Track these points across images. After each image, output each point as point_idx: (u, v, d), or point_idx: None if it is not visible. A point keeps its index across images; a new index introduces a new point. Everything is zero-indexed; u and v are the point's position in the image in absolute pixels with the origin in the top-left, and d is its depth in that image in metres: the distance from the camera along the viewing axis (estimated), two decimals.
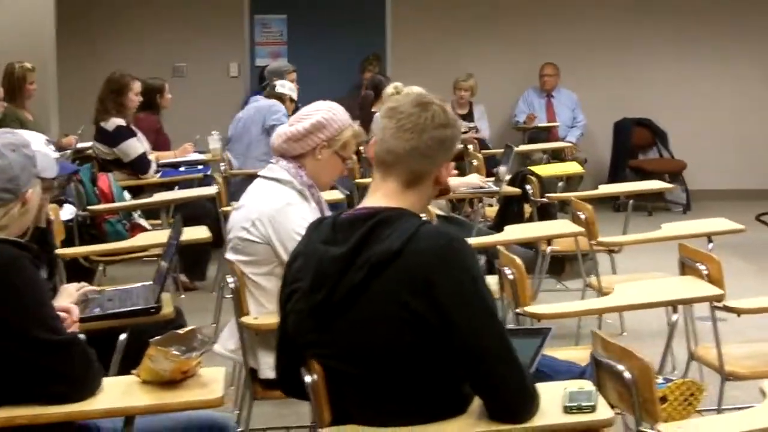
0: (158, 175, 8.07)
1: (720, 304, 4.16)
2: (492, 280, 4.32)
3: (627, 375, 2.85)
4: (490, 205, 7.80)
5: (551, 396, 2.81)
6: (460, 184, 6.76)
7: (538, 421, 2.73)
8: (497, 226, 6.76)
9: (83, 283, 3.95)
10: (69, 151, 8.02)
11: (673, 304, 4.26)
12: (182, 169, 8.41)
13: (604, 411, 2.77)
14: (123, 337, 3.84)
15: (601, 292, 5.37)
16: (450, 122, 2.91)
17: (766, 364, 4.18)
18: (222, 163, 8.32)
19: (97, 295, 4.01)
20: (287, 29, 11.99)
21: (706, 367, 4.52)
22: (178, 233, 4.35)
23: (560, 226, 5.98)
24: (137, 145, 7.99)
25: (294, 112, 6.27)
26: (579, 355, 3.88)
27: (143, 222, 7.09)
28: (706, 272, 4.27)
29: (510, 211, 7.20)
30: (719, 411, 4.19)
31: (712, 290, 4.17)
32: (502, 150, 8.25)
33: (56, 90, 9.72)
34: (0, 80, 8.44)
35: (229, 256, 4.23)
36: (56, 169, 3.58)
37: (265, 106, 8.36)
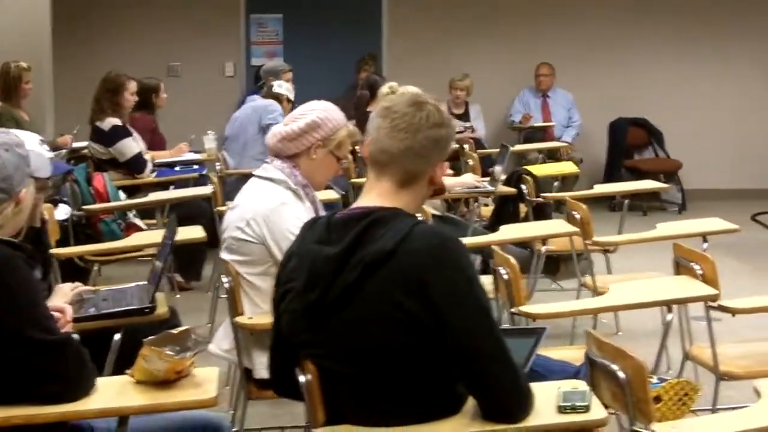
0: (154, 174, 8.07)
1: (714, 304, 4.16)
2: (486, 280, 4.32)
3: (621, 375, 2.85)
4: (486, 205, 7.80)
5: (545, 396, 2.80)
6: (455, 183, 6.75)
7: (532, 421, 2.73)
8: (492, 225, 6.76)
9: (77, 283, 3.96)
10: (64, 151, 8.02)
11: (668, 304, 4.26)
12: (177, 168, 8.41)
13: (597, 411, 2.77)
14: (117, 337, 3.85)
15: (596, 292, 5.38)
16: (444, 122, 2.91)
17: (760, 364, 4.18)
18: (217, 163, 8.32)
19: (91, 294, 4.02)
20: (283, 29, 11.98)
21: (700, 367, 4.52)
22: (172, 233, 4.35)
23: (555, 225, 5.99)
24: (133, 145, 7.99)
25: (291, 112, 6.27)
26: (574, 354, 3.88)
27: (138, 222, 7.08)
28: (700, 272, 4.27)
29: (505, 211, 7.20)
30: (714, 411, 4.20)
31: (707, 290, 4.17)
32: (498, 150, 8.25)
33: (52, 89, 9.71)
34: None
35: (224, 255, 4.23)
36: (50, 169, 3.58)
37: (261, 105, 8.37)
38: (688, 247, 4.48)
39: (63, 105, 9.96)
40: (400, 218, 2.78)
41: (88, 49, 11.37)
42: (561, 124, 11.55)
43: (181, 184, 7.96)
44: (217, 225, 6.08)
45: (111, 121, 7.97)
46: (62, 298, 3.67)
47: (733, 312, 4.19)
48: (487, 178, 7.24)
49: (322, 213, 3.93)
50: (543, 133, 11.31)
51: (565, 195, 6.62)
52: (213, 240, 5.86)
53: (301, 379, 2.83)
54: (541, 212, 7.04)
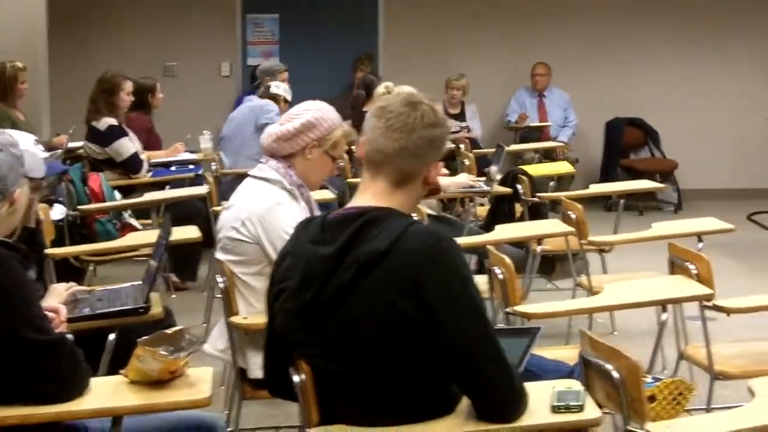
0: (149, 174, 8.07)
1: (709, 304, 4.16)
2: (481, 280, 4.32)
3: (615, 374, 2.85)
4: (482, 205, 7.80)
5: (539, 395, 2.81)
6: (450, 183, 6.76)
7: (525, 420, 2.74)
8: (488, 225, 6.76)
9: (72, 283, 3.95)
10: (60, 151, 8.01)
11: (663, 304, 4.26)
12: (173, 168, 8.40)
13: (591, 410, 2.78)
14: (112, 337, 3.85)
15: (591, 292, 5.37)
16: (439, 122, 2.91)
17: (755, 364, 4.18)
18: (213, 163, 8.32)
19: (86, 294, 4.01)
20: (279, 29, 11.98)
21: (695, 367, 4.53)
22: (167, 233, 4.35)
23: (550, 225, 5.99)
24: (129, 145, 7.99)
25: None
26: (569, 354, 3.88)
27: (134, 222, 7.08)
28: (695, 272, 4.27)
29: (501, 211, 7.20)
30: (708, 410, 4.19)
31: (702, 290, 4.17)
32: (494, 149, 8.25)
33: (48, 89, 9.70)
34: None
35: (219, 255, 4.23)
36: (44, 169, 3.57)
37: (258, 105, 8.37)
38: (683, 247, 4.48)
39: (59, 105, 9.96)
40: (394, 218, 2.79)
41: (84, 49, 11.37)
42: (557, 123, 11.56)
43: (176, 184, 7.95)
44: (212, 225, 6.07)
45: (107, 121, 7.96)
46: (57, 298, 3.67)
47: (728, 312, 4.19)
48: (483, 178, 7.24)
49: (317, 213, 3.93)
50: (539, 133, 11.31)
51: (561, 195, 6.62)
52: (208, 240, 5.85)
53: (295, 378, 2.83)
54: (536, 212, 7.05)
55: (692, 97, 11.94)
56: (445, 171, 7.61)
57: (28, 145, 3.44)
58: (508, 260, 4.20)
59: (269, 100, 8.36)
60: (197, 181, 7.99)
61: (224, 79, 11.87)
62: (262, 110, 8.28)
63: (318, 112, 4.25)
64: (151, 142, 8.82)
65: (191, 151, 8.89)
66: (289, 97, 8.41)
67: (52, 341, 2.89)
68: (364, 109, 8.53)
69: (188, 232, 5.67)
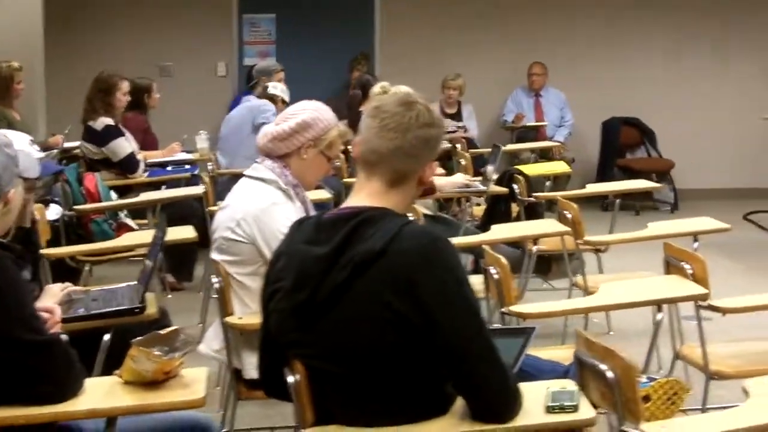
0: (145, 174, 8.06)
1: (704, 304, 4.16)
2: (476, 280, 4.32)
3: (610, 374, 2.84)
4: (478, 205, 7.80)
5: (534, 396, 2.80)
6: (446, 183, 6.76)
7: (520, 420, 2.73)
8: (484, 225, 6.76)
9: (67, 284, 3.95)
10: (56, 151, 8.01)
11: (658, 304, 4.26)
12: (169, 168, 8.40)
13: (586, 411, 2.78)
14: (107, 337, 3.84)
15: (587, 292, 5.37)
16: (434, 122, 2.90)
17: (750, 364, 4.18)
18: (209, 163, 8.31)
19: (81, 295, 4.01)
20: (276, 28, 11.97)
21: (691, 367, 4.52)
22: (162, 232, 4.35)
23: (546, 225, 5.99)
24: (126, 145, 7.99)
25: None
26: (565, 354, 3.88)
27: (130, 222, 7.07)
28: (690, 271, 4.27)
29: (497, 211, 7.20)
30: (704, 410, 4.20)
31: (697, 289, 4.17)
32: (490, 149, 8.25)
33: (44, 89, 9.70)
34: None
35: (214, 255, 4.23)
36: (39, 169, 3.57)
37: (255, 105, 8.39)
38: (678, 247, 4.48)
39: (55, 105, 9.94)
40: (389, 218, 2.78)
41: (80, 49, 11.36)
42: (553, 123, 11.56)
43: (173, 184, 7.95)
44: (208, 225, 6.07)
45: (104, 121, 7.96)
46: (52, 298, 3.67)
47: (723, 311, 4.19)
48: (479, 178, 7.24)
49: (313, 213, 3.93)
50: (535, 133, 11.31)
51: (557, 194, 6.62)
52: (204, 240, 5.85)
53: (290, 379, 2.83)
54: (532, 212, 7.05)
55: (689, 96, 11.94)
56: (441, 171, 7.61)
57: (23, 145, 3.44)
58: (503, 260, 4.20)
59: (267, 100, 8.37)
60: (193, 181, 7.99)
61: (221, 79, 11.86)
62: (259, 110, 8.29)
63: (314, 112, 4.25)
64: (148, 142, 8.82)
65: (187, 151, 8.89)
66: (286, 98, 8.41)
67: (47, 341, 2.88)
68: (360, 109, 8.52)
69: (184, 232, 5.67)
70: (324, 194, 6.49)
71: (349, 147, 6.43)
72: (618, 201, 7.02)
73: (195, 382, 2.95)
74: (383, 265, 2.70)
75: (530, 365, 3.39)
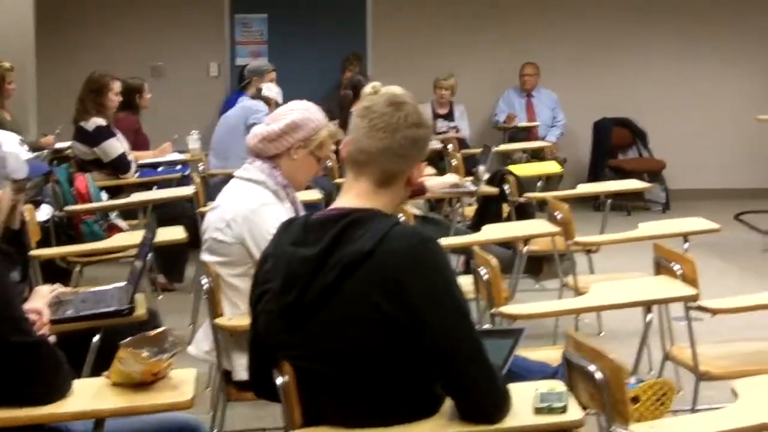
0: (137, 175, 8.05)
1: (694, 304, 4.16)
2: (466, 281, 4.32)
3: (598, 375, 2.85)
4: (470, 205, 7.80)
5: (522, 397, 2.80)
6: (436, 184, 6.75)
7: (508, 422, 2.73)
8: (475, 225, 6.76)
9: (57, 285, 3.94)
10: (46, 151, 8.00)
11: (647, 305, 4.26)
12: (160, 169, 8.39)
13: (574, 412, 2.77)
14: (96, 338, 3.84)
15: (578, 292, 5.37)
16: (423, 122, 2.91)
17: (740, 364, 4.18)
18: (200, 163, 8.30)
19: (71, 296, 4.00)
20: (268, 29, 11.96)
21: (681, 368, 4.53)
22: (152, 233, 4.34)
23: (537, 226, 5.99)
24: (117, 145, 7.98)
25: None
26: (555, 355, 3.87)
27: (120, 222, 7.06)
28: (680, 272, 4.27)
29: (488, 211, 7.20)
30: (694, 411, 4.19)
31: (687, 290, 4.17)
32: (481, 149, 8.25)
33: (35, 90, 9.69)
34: None
35: (204, 256, 4.22)
36: (27, 170, 3.56)
37: (248, 105, 8.41)
38: (667, 248, 4.48)
39: (46, 105, 9.93)
40: (378, 219, 2.78)
41: (71, 49, 11.34)
42: (545, 123, 11.56)
43: (164, 184, 7.94)
44: (199, 226, 6.06)
45: (95, 122, 7.95)
46: (40, 300, 3.66)
47: (713, 312, 4.18)
48: (471, 178, 7.24)
49: (303, 213, 3.93)
50: (527, 133, 11.30)
51: (548, 195, 6.62)
52: (195, 241, 5.84)
53: (278, 380, 2.82)
54: (523, 212, 7.05)
55: (681, 97, 11.95)
56: (432, 171, 7.61)
57: (12, 146, 3.44)
58: (493, 261, 4.20)
59: (260, 101, 8.39)
60: (185, 181, 7.98)
61: (212, 80, 11.85)
62: (251, 110, 8.31)
63: (303, 112, 4.24)
64: (139, 142, 8.81)
65: (179, 152, 8.88)
66: (280, 100, 8.42)
67: (35, 343, 2.87)
68: (351, 110, 8.51)
69: (174, 233, 5.66)
70: (314, 195, 6.48)
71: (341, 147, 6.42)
72: (609, 201, 7.02)
73: (183, 383, 2.95)
74: (372, 266, 2.70)
75: (519, 366, 3.39)
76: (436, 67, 11.34)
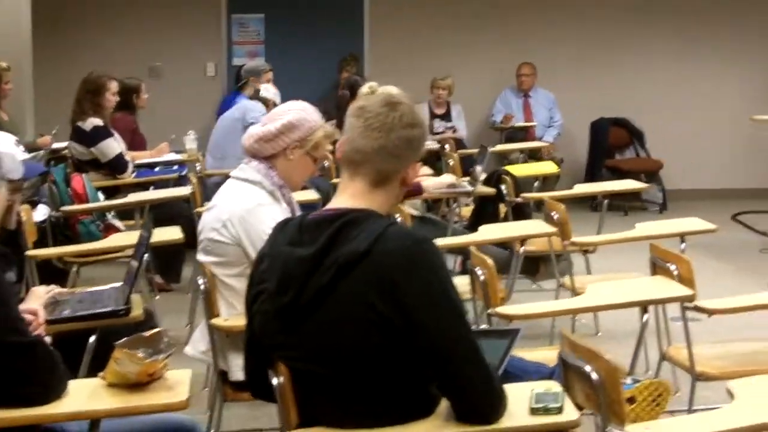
0: (133, 175, 8.05)
1: (690, 304, 4.16)
2: (462, 281, 4.31)
3: (594, 376, 2.85)
4: (467, 205, 7.80)
5: (518, 397, 2.80)
6: (433, 184, 6.75)
7: (504, 422, 2.73)
8: (472, 226, 6.76)
9: (53, 286, 3.94)
10: (43, 152, 7.99)
11: (643, 305, 4.26)
12: (157, 169, 8.39)
13: (570, 412, 2.77)
14: (93, 339, 3.83)
15: (574, 293, 5.37)
16: (418, 122, 2.91)
17: (736, 365, 4.17)
18: (197, 164, 8.30)
19: (67, 296, 4.00)
20: (265, 29, 11.96)
21: (678, 368, 4.53)
22: (148, 233, 4.34)
23: (533, 226, 5.99)
24: (114, 145, 7.98)
25: None
26: (552, 355, 3.86)
27: (117, 223, 7.06)
28: (676, 272, 4.27)
29: (485, 211, 7.21)
30: (690, 411, 4.19)
31: (682, 290, 4.17)
32: (478, 150, 8.25)
33: (32, 90, 9.67)
34: None
35: (201, 257, 4.22)
36: (23, 171, 3.56)
37: (247, 106, 8.42)
38: (663, 248, 4.48)
39: (43, 105, 9.92)
40: (373, 219, 2.78)
41: (68, 49, 11.33)
42: (542, 124, 11.56)
43: (161, 184, 7.94)
44: (196, 226, 6.06)
45: (92, 122, 7.94)
46: (36, 300, 3.66)
47: (709, 312, 4.18)
48: (468, 178, 7.24)
49: (299, 214, 3.93)
50: (524, 133, 11.31)
51: (544, 195, 6.62)
52: (192, 241, 5.84)
53: (274, 381, 2.82)
54: (520, 212, 7.05)
55: (678, 97, 11.95)
56: (429, 171, 7.62)
57: (7, 146, 3.43)
58: (489, 261, 4.19)
59: (258, 102, 8.40)
60: (182, 181, 7.98)
61: (209, 80, 11.84)
62: (248, 109, 8.32)
63: (299, 112, 4.24)
64: (136, 142, 8.81)
65: (176, 152, 8.88)
66: (278, 101, 8.42)
67: (30, 343, 2.87)
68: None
69: (171, 233, 5.66)
70: (311, 195, 6.48)
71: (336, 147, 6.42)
72: (606, 201, 7.02)
73: (179, 384, 2.94)
74: (367, 267, 2.70)
75: (515, 366, 3.39)
76: (433, 67, 11.34)
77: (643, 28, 11.95)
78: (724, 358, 4.30)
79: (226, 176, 4.42)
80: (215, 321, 4.06)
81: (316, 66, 11.71)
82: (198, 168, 8.15)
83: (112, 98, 8.16)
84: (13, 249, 4.06)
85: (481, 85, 11.71)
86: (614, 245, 6.02)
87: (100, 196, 7.32)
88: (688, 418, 3.39)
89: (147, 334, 3.01)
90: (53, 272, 5.87)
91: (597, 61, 11.91)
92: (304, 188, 5.83)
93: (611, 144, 11.76)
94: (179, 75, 11.64)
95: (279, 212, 4.07)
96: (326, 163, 7.99)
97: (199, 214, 5.85)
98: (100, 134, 7.94)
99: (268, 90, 8.50)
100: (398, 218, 5.38)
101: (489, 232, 5.78)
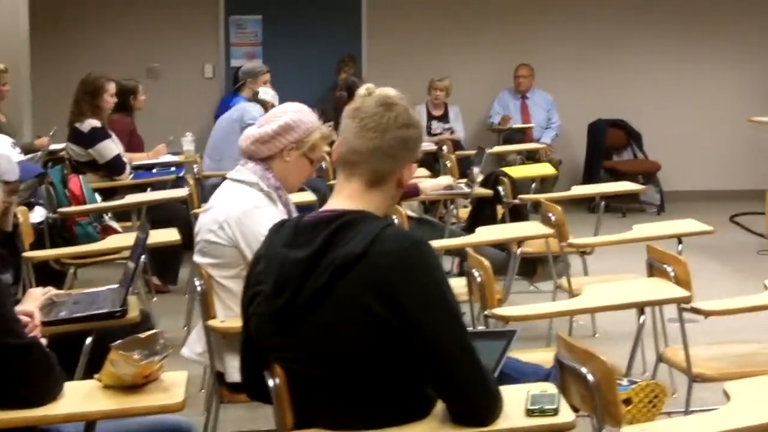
0: (131, 176, 8.05)
1: (687, 306, 4.16)
2: (458, 283, 4.32)
3: (590, 377, 2.85)
4: (464, 207, 7.80)
5: (514, 399, 2.80)
6: (430, 186, 6.76)
7: (500, 424, 2.73)
8: (470, 227, 6.76)
9: (49, 288, 3.94)
10: (40, 153, 7.99)
11: (640, 306, 4.26)
12: (155, 171, 8.38)
13: (566, 414, 2.77)
14: (89, 340, 3.83)
15: (571, 294, 5.37)
16: (413, 123, 2.91)
17: (733, 366, 4.18)
18: (194, 165, 8.30)
19: (64, 298, 4.00)
20: (262, 30, 11.96)
21: (675, 369, 4.53)
22: (144, 234, 4.34)
23: (530, 227, 5.98)
24: (112, 147, 7.97)
25: None
26: (549, 357, 3.86)
27: (114, 224, 7.06)
28: (673, 274, 4.27)
29: (482, 213, 7.20)
30: (687, 413, 4.19)
31: (679, 292, 4.17)
32: (475, 151, 8.26)
33: (29, 91, 9.67)
34: None
35: (197, 258, 4.22)
36: (18, 172, 3.56)
37: (245, 108, 8.42)
38: (660, 249, 4.48)
39: (41, 107, 9.93)
40: (369, 221, 2.78)
41: (66, 50, 11.33)
42: (540, 125, 11.55)
43: (158, 186, 7.94)
44: (193, 227, 6.06)
45: (90, 123, 7.94)
46: (33, 302, 3.66)
47: (706, 314, 4.18)
48: (465, 180, 7.24)
49: (295, 215, 3.92)
50: (522, 135, 11.30)
51: (541, 197, 6.62)
52: (190, 242, 5.84)
53: (270, 383, 2.82)
54: (517, 214, 7.05)
55: (675, 98, 11.95)
56: (426, 172, 7.62)
57: (4, 148, 3.43)
58: (486, 262, 4.19)
59: (257, 104, 8.40)
60: (179, 183, 7.97)
61: (207, 81, 11.84)
62: (245, 111, 8.32)
63: (296, 114, 4.24)
64: (134, 144, 8.81)
65: (174, 153, 8.88)
66: (276, 103, 8.42)
67: (26, 345, 2.87)
68: None
69: (168, 235, 5.66)
70: (307, 196, 6.47)
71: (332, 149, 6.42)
72: (603, 203, 7.02)
73: (174, 385, 2.95)
74: (364, 269, 2.69)
75: (511, 368, 3.39)
76: (431, 68, 11.34)
77: (642, 28, 11.96)
78: (721, 359, 4.31)
79: (224, 178, 4.42)
80: (212, 323, 4.06)
81: (314, 67, 11.71)
82: (195, 169, 8.14)
83: (110, 99, 8.15)
84: (9, 250, 4.05)
85: (478, 86, 11.71)
86: (611, 247, 6.03)
87: (98, 197, 7.31)
88: (684, 420, 3.39)
89: (143, 335, 3.01)
90: (50, 274, 5.87)
91: (595, 62, 11.91)
92: (300, 190, 5.83)
93: (609, 145, 11.76)
94: (177, 76, 11.64)
95: (275, 214, 4.06)
96: (323, 165, 7.99)
97: (197, 216, 5.86)
98: (97, 135, 7.94)
99: (267, 92, 8.50)
100: (395, 220, 5.38)
101: (486, 233, 5.78)
